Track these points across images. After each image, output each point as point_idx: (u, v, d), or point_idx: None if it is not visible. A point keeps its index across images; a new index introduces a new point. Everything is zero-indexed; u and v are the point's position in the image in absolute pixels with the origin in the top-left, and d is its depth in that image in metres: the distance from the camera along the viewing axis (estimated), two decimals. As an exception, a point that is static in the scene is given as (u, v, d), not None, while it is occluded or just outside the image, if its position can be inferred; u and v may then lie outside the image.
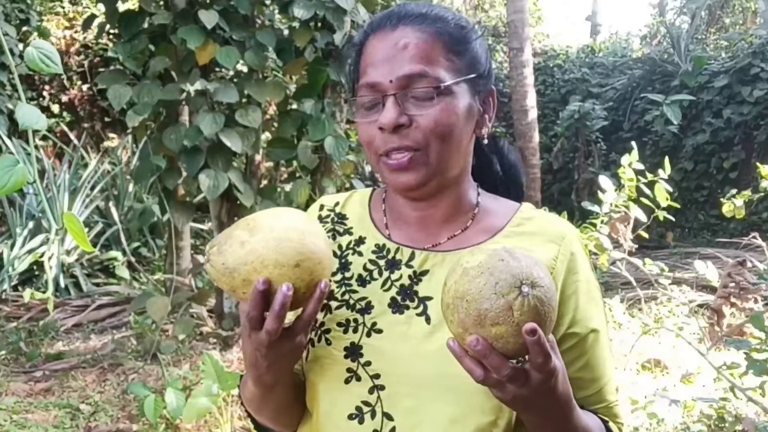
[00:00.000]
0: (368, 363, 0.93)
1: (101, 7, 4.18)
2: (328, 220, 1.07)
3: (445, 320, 0.79)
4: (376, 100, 0.93)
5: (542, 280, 0.76)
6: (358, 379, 0.93)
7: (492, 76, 1.00)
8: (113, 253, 6.17)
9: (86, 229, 0.94)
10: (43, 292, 4.99)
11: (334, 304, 0.99)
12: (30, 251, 5.72)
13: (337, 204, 1.08)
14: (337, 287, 1.00)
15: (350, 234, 1.04)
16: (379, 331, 0.95)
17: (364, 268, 1.00)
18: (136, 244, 6.56)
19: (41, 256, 5.54)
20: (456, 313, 0.76)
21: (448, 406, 0.89)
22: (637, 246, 3.60)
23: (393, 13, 0.96)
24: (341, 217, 1.06)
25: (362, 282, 0.99)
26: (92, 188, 6.67)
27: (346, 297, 0.98)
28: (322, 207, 1.09)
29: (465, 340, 0.76)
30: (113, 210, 6.64)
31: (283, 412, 1.02)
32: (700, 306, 4.76)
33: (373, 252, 1.01)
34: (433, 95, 0.91)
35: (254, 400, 0.99)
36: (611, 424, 0.98)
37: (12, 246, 5.83)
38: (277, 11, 4.40)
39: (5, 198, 6.24)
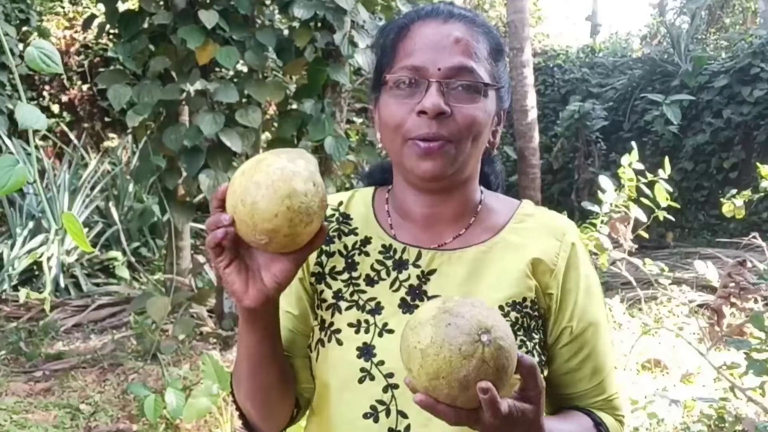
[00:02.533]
0: (381, 362, 0.94)
1: (101, 7, 4.18)
2: (333, 219, 1.06)
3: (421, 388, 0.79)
4: (416, 84, 0.93)
5: (490, 320, 0.77)
6: (372, 378, 0.94)
7: (509, 96, 1.03)
8: (113, 253, 6.17)
9: (86, 229, 0.94)
10: (42, 292, 4.99)
11: (343, 304, 0.98)
12: (30, 251, 5.72)
13: (341, 203, 1.07)
14: (345, 287, 1.00)
15: (355, 234, 1.04)
16: (391, 332, 0.95)
17: (372, 268, 1.00)
18: (136, 244, 6.56)
19: (41, 256, 5.54)
20: (440, 392, 0.76)
21: None
22: (637, 246, 3.59)
23: (442, 9, 0.97)
24: (345, 217, 1.06)
25: (370, 282, 0.99)
26: (92, 188, 6.67)
27: (355, 297, 0.99)
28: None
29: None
30: (113, 210, 6.63)
31: (275, 390, 0.98)
32: (700, 306, 4.76)
33: (380, 252, 1.01)
34: (474, 92, 0.93)
35: (241, 341, 0.95)
36: (608, 420, 0.99)
37: (12, 246, 5.83)
38: (277, 11, 4.40)
39: (5, 198, 6.24)
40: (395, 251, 1.00)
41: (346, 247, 1.03)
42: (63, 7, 9.41)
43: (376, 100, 1.01)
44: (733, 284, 3.63)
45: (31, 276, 5.76)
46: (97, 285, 5.89)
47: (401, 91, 0.94)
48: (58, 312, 5.03)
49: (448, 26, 0.95)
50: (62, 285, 5.58)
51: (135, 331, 4.55)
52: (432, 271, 0.98)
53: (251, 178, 0.80)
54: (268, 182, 0.79)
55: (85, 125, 8.88)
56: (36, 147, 1.06)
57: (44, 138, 7.97)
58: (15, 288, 5.53)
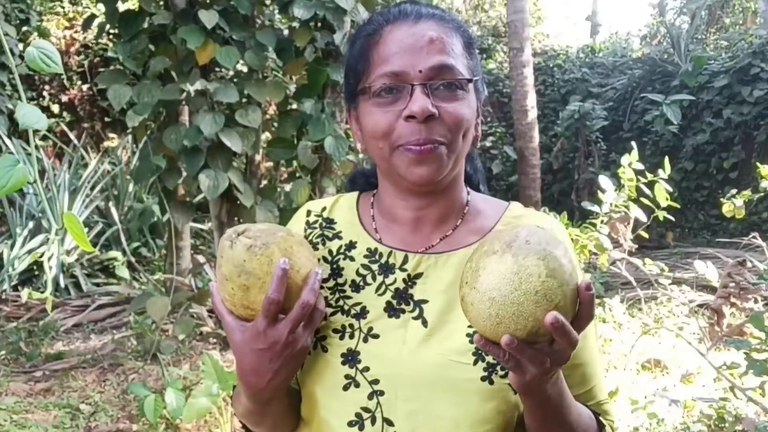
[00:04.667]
0: (366, 369, 0.92)
1: (101, 7, 4.18)
2: (316, 225, 1.05)
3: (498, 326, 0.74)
4: (398, 89, 0.92)
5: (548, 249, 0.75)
6: (357, 385, 0.92)
7: (484, 86, 1.02)
8: (113, 253, 6.17)
9: (86, 229, 0.93)
10: (43, 292, 4.99)
11: (329, 310, 0.97)
12: (30, 251, 5.72)
13: (324, 209, 1.07)
14: (331, 293, 0.99)
15: (340, 238, 1.03)
16: (376, 336, 0.94)
17: (357, 273, 0.99)
18: (136, 244, 6.56)
19: (41, 256, 5.54)
20: (533, 312, 0.73)
21: (448, 409, 0.89)
22: (637, 246, 3.59)
23: (410, 9, 0.95)
24: (329, 222, 1.05)
25: (356, 287, 0.98)
26: (92, 188, 6.67)
27: (341, 303, 0.97)
28: (309, 213, 1.08)
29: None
30: (113, 210, 6.63)
31: (281, 423, 1.01)
32: (700, 306, 4.76)
33: (365, 256, 1.00)
34: (457, 89, 0.92)
35: (252, 414, 0.98)
36: (601, 418, 0.98)
37: (12, 246, 5.83)
38: (277, 11, 4.40)
39: (5, 198, 6.24)
40: (381, 255, 0.99)
41: (330, 252, 1.02)
42: (63, 7, 9.41)
43: (354, 110, 1.00)
44: (733, 284, 3.64)
45: (31, 276, 5.76)
46: (97, 285, 5.89)
47: (383, 98, 0.92)
48: (58, 312, 5.03)
49: (420, 26, 0.93)
50: (62, 285, 5.58)
51: (135, 331, 4.55)
52: (418, 275, 0.97)
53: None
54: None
55: (85, 125, 8.88)
56: (36, 147, 1.06)
57: (44, 138, 7.97)
58: (15, 288, 5.53)
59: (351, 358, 0.93)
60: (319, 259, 1.01)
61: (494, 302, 0.73)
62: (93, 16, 4.37)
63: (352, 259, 1.00)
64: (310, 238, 1.04)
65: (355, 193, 1.09)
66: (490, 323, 0.73)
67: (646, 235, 3.55)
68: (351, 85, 0.98)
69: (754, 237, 4.61)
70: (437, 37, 0.92)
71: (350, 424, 0.92)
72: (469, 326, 0.91)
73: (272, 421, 1.00)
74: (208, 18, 3.55)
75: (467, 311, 0.76)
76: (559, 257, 0.74)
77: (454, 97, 0.92)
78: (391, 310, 0.95)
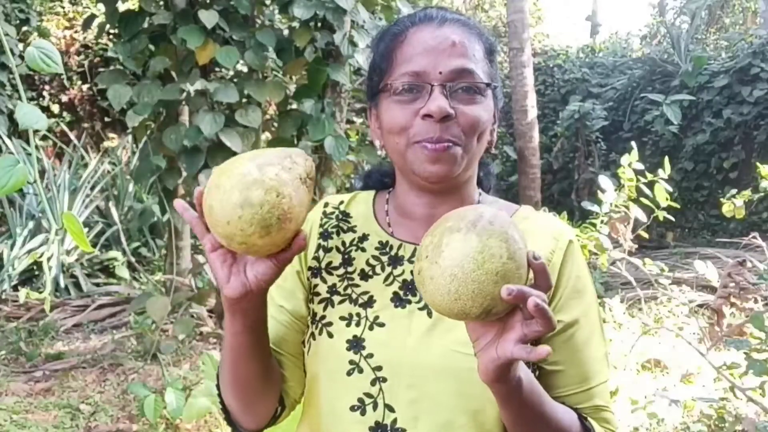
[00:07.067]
0: (370, 355, 0.95)
1: (101, 7, 4.18)
2: (333, 216, 1.08)
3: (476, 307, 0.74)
4: (418, 88, 0.94)
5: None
6: (360, 371, 0.94)
7: (502, 95, 1.05)
8: (113, 253, 6.17)
9: (86, 229, 0.94)
10: (42, 292, 4.99)
11: (336, 298, 1.00)
12: (30, 251, 5.72)
13: (341, 203, 1.10)
14: (340, 281, 1.01)
15: (354, 232, 1.06)
16: (382, 325, 0.96)
17: (367, 263, 1.02)
18: (136, 244, 6.56)
19: (41, 256, 5.54)
20: (492, 291, 0.73)
21: (449, 398, 0.91)
22: (637, 246, 3.59)
23: (435, 14, 0.98)
24: (345, 215, 1.08)
25: (364, 276, 1.01)
26: (92, 188, 6.67)
27: (349, 291, 1.00)
28: (326, 204, 1.11)
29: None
30: (113, 210, 6.64)
31: (255, 384, 0.97)
32: (700, 306, 4.77)
33: (376, 248, 1.03)
34: (475, 93, 0.95)
35: (227, 361, 0.95)
36: (594, 424, 0.95)
37: (12, 246, 5.83)
38: (277, 11, 4.40)
39: (5, 198, 6.24)
40: (391, 247, 1.02)
41: (344, 243, 1.05)
42: (63, 7, 9.41)
43: (374, 108, 1.02)
44: (733, 284, 3.64)
45: (31, 276, 5.76)
46: (97, 285, 5.89)
47: (403, 96, 0.95)
48: (58, 312, 5.03)
49: (443, 30, 0.96)
50: (62, 285, 5.58)
51: (135, 331, 4.55)
52: None
53: (218, 179, 0.79)
54: (226, 186, 0.77)
55: (85, 125, 8.89)
56: (36, 147, 1.06)
57: (44, 138, 7.97)
58: (15, 288, 5.52)
59: (356, 344, 0.96)
60: (332, 248, 1.04)
61: (455, 278, 0.73)
62: (93, 16, 4.37)
63: (363, 250, 1.03)
64: (325, 227, 1.07)
65: (372, 192, 1.12)
66: (448, 298, 0.74)
67: (646, 235, 3.55)
68: (374, 83, 1.01)
69: (754, 237, 4.61)
70: (460, 41, 0.95)
71: (352, 408, 0.94)
72: None
73: (246, 367, 0.95)
74: (208, 18, 3.55)
75: (423, 284, 0.76)
76: (518, 241, 0.76)
77: (472, 100, 0.94)
78: (398, 301, 0.98)
